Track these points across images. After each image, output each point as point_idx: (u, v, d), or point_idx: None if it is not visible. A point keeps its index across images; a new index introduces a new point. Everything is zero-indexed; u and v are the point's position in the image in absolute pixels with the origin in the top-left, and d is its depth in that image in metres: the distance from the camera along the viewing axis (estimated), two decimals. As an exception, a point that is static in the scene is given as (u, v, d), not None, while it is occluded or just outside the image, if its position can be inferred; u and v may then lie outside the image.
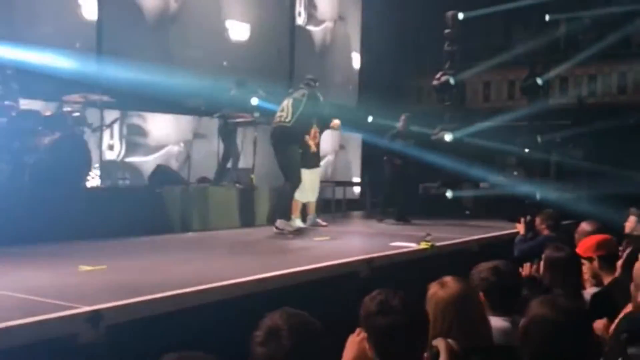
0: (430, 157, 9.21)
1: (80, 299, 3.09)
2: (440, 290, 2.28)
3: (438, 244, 5.90)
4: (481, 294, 2.47)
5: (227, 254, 5.46)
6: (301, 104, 6.66)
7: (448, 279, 2.32)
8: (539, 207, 7.27)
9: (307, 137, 7.29)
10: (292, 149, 6.68)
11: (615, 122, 9.09)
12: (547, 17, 11.50)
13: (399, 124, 8.72)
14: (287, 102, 6.75)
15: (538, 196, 9.40)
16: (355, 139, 12.40)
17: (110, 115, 7.88)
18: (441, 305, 2.24)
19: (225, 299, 3.53)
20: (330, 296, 4.07)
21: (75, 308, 2.92)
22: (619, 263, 3.51)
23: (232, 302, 3.55)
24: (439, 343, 2.11)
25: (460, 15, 11.18)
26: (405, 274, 4.91)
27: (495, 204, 9.57)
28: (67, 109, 6.84)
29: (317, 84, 7.03)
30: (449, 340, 2.13)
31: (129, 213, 6.18)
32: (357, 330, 1.99)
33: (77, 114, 6.78)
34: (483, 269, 2.62)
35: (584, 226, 4.43)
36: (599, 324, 2.79)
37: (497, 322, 2.43)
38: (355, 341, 1.98)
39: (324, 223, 7.71)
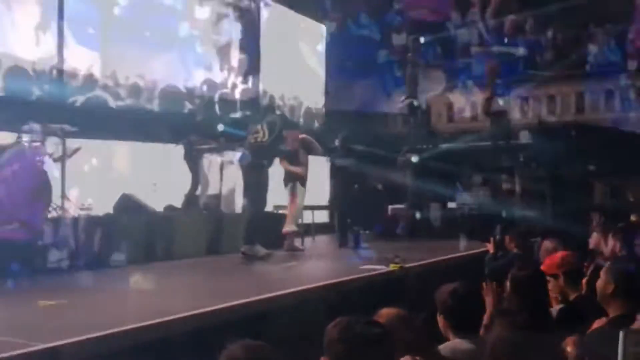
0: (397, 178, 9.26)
1: (38, 335, 2.99)
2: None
3: (407, 265, 5.89)
4: (441, 317, 2.46)
5: (188, 283, 5.36)
6: (276, 127, 6.75)
7: (384, 311, 2.32)
8: (507, 225, 7.35)
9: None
10: (265, 172, 6.71)
11: (576, 141, 9.28)
12: (505, 40, 11.76)
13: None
14: (260, 125, 6.79)
15: (504, 214, 9.51)
16: (325, 163, 12.41)
17: (73, 144, 7.75)
18: None
19: (185, 331, 3.45)
20: (294, 324, 4.00)
21: (33, 345, 2.83)
22: (584, 280, 3.53)
23: (192, 334, 3.47)
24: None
25: (422, 39, 11.37)
26: (374, 298, 4.88)
27: (463, 223, 9.64)
28: (25, 139, 6.70)
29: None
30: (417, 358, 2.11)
31: (92, 244, 6.05)
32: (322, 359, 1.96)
33: (36, 144, 6.65)
34: (443, 292, 2.61)
35: (547, 244, 4.47)
36: (569, 341, 2.80)
37: (461, 345, 2.42)
38: None
39: (302, 247, 7.66)
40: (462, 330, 2.50)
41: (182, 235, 7.21)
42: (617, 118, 10.32)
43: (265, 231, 7.06)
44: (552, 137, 9.01)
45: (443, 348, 2.41)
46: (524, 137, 7.61)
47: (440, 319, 2.60)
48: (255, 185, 6.63)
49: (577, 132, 9.32)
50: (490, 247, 5.87)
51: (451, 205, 10.60)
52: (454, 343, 2.37)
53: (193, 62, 9.78)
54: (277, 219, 7.81)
